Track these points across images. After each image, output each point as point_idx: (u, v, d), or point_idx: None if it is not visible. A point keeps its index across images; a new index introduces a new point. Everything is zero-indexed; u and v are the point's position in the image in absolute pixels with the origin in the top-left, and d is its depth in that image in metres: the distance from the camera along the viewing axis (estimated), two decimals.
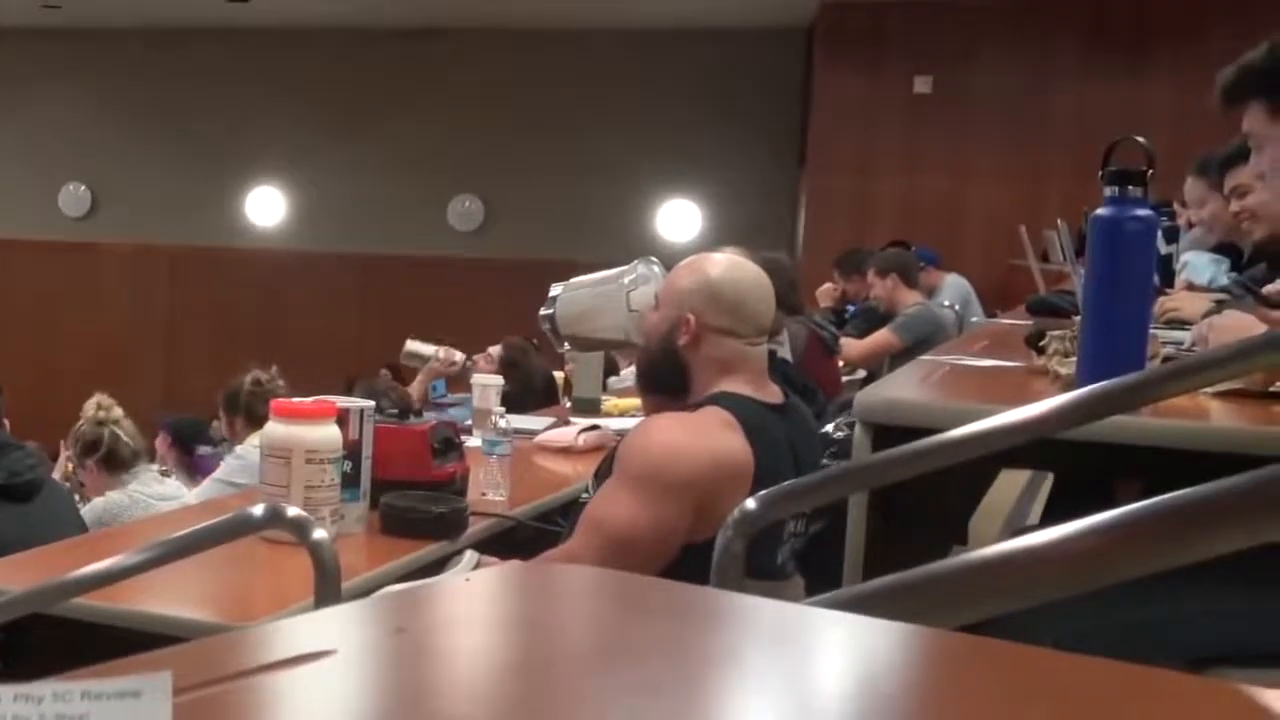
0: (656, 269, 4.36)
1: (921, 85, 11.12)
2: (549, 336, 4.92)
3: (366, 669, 0.94)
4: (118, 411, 5.39)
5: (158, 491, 5.34)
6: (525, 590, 1.16)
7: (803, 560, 3.08)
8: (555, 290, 4.89)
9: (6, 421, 4.36)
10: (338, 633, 1.01)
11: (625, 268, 4.61)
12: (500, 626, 1.06)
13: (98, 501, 5.07)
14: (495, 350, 6.61)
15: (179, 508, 4.80)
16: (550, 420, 4.85)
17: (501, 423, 3.66)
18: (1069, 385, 2.27)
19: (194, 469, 7.13)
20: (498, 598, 1.14)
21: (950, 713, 0.86)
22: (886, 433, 2.13)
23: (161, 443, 6.74)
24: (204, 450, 7.31)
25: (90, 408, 5.37)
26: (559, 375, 6.48)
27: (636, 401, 4.71)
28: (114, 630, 2.59)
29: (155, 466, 5.91)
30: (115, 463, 5.29)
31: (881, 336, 7.43)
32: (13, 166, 14.65)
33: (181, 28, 14.09)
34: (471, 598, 1.13)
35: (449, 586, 1.39)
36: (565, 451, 4.38)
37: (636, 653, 0.95)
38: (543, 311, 4.90)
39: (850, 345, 6.99)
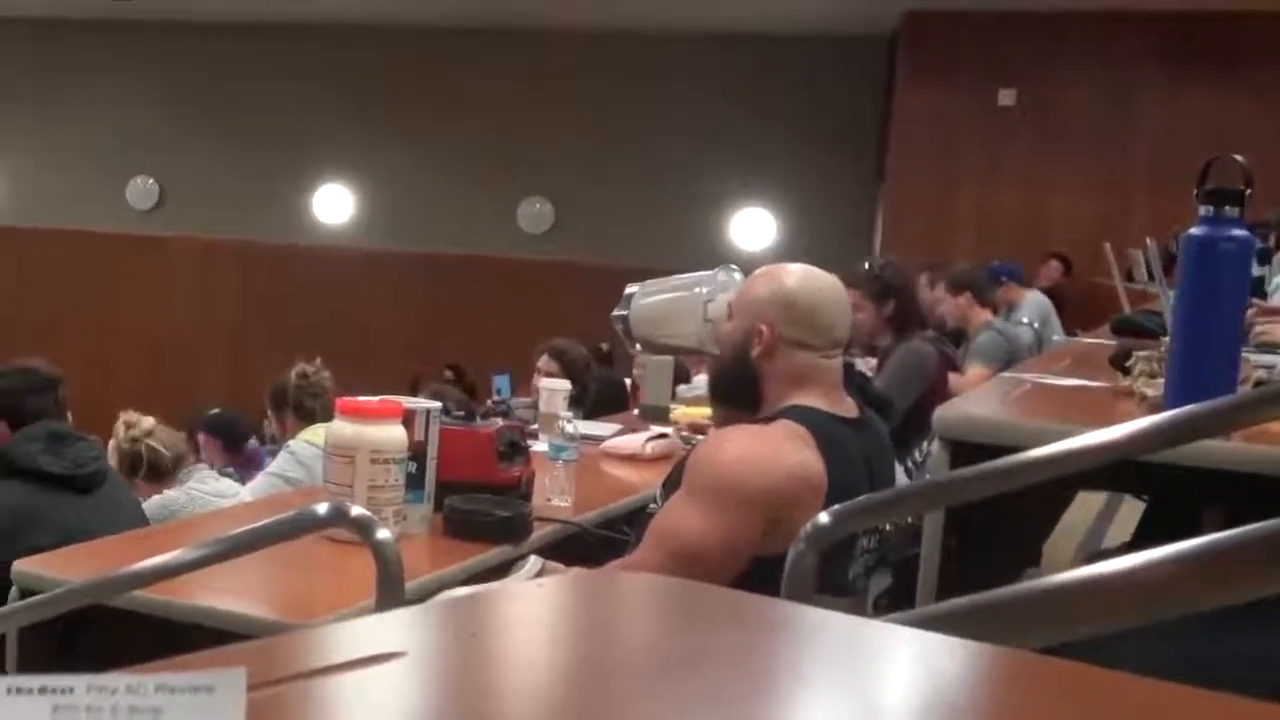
0: (737, 277, 4.34)
1: (1005, 98, 11.05)
2: (621, 337, 4.92)
3: (438, 671, 0.95)
4: (147, 423, 5.36)
5: (215, 489, 5.36)
6: (597, 597, 1.16)
7: (894, 585, 3.06)
8: (631, 289, 4.89)
9: (69, 414, 4.39)
10: (408, 634, 1.02)
11: (704, 274, 4.60)
12: (572, 633, 1.07)
13: (155, 499, 5.08)
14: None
15: (236, 504, 4.83)
16: (617, 427, 4.85)
17: (569, 428, 3.66)
18: (1156, 407, 2.25)
19: (246, 463, 7.17)
20: (569, 604, 1.14)
21: None
22: (965, 450, 2.12)
23: (205, 443, 6.76)
24: (253, 444, 7.35)
25: (120, 429, 5.34)
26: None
27: (706, 410, 4.70)
28: (171, 624, 2.61)
29: (208, 464, 5.93)
30: (158, 473, 5.29)
31: (979, 374, 7.34)
32: (81, 159, 14.83)
33: (253, 22, 14.23)
34: (543, 603, 1.13)
35: (520, 591, 1.40)
36: (632, 459, 4.38)
37: (707, 663, 0.95)
38: (616, 312, 4.90)
39: (953, 380, 6.90)
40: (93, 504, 4.02)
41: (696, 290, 4.50)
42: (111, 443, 5.15)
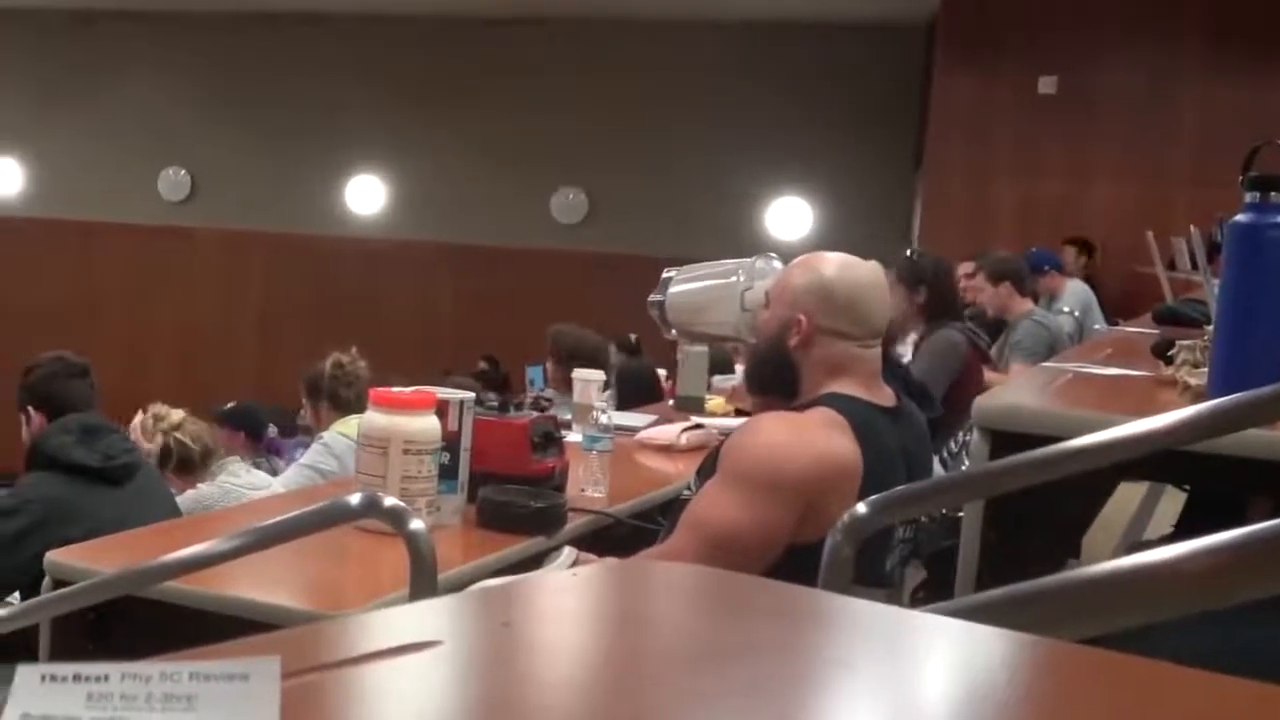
0: (776, 265, 4.33)
1: (1046, 86, 10.99)
2: (657, 322, 4.92)
3: (474, 661, 0.95)
4: (175, 416, 5.35)
5: (248, 481, 5.37)
6: (634, 586, 1.16)
7: (928, 578, 3.06)
8: (668, 274, 4.89)
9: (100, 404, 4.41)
10: (444, 623, 1.02)
11: (743, 262, 4.59)
12: (608, 622, 1.07)
13: (189, 494, 5.09)
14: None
15: (268, 496, 4.84)
16: (652, 418, 4.85)
17: (603, 418, 3.66)
18: (1199, 396, 2.24)
19: (270, 451, 7.20)
20: (605, 593, 1.14)
21: None
22: (1005, 440, 2.11)
23: (227, 438, 6.78)
24: (272, 431, 7.39)
25: (149, 422, 5.32)
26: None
27: (741, 402, 4.70)
28: (203, 615, 2.62)
29: (242, 458, 5.94)
30: (187, 466, 5.28)
31: (1021, 369, 7.30)
32: (113, 150, 14.89)
33: (285, 12, 14.27)
34: (578, 592, 1.13)
35: (555, 580, 1.40)
36: (667, 450, 4.38)
37: (748, 654, 0.95)
38: (653, 296, 4.91)
39: (989, 376, 6.87)
40: (125, 496, 4.04)
41: (734, 278, 4.50)
42: (133, 435, 5.14)
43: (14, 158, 15.39)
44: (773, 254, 4.59)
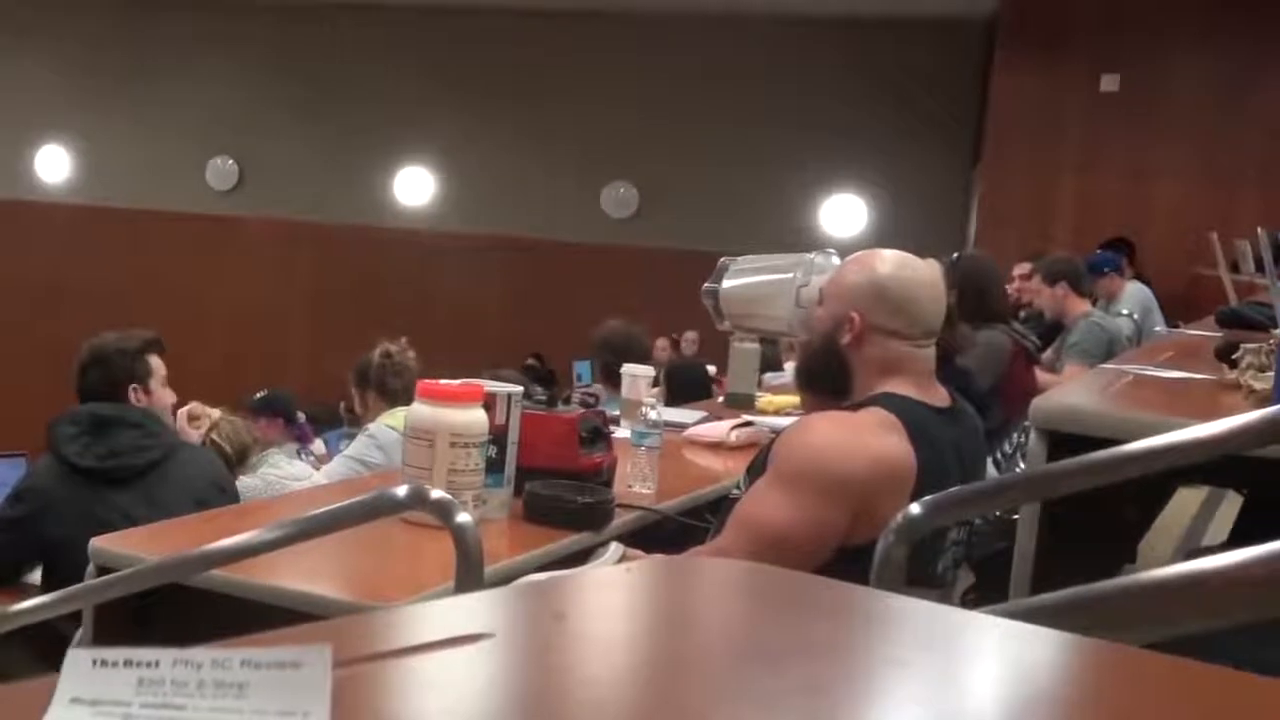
0: (834, 261, 4.31)
1: (1109, 83, 10.91)
2: (710, 312, 4.92)
3: (525, 653, 0.95)
4: (213, 414, 5.35)
5: (289, 472, 5.39)
6: (686, 582, 1.16)
7: (978, 581, 3.05)
8: (724, 263, 4.88)
9: (140, 393, 4.30)
10: (495, 615, 1.02)
11: (800, 257, 4.58)
12: (661, 618, 1.07)
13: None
14: (691, 335, 6.52)
15: (312, 487, 4.84)
16: (702, 414, 4.85)
17: (652, 414, 3.66)
18: (1264, 401, 2.22)
19: (301, 436, 7.24)
20: (658, 588, 1.14)
21: None
22: (1063, 442, 2.10)
23: (264, 426, 6.80)
24: (301, 417, 7.44)
25: (182, 419, 5.30)
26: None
27: (792, 399, 4.69)
28: (246, 604, 2.63)
29: (281, 448, 5.96)
30: (228, 465, 5.28)
31: (1076, 371, 7.26)
32: (161, 139, 14.99)
33: (336, 2, 14.33)
34: (631, 588, 1.13)
35: (607, 575, 1.40)
36: (716, 447, 4.37)
37: (799, 651, 0.95)
38: (707, 286, 4.90)
39: (1044, 378, 6.82)
40: (133, 495, 3.96)
41: (791, 274, 4.48)
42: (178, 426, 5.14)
43: (62, 145, 15.51)
44: (831, 250, 4.57)
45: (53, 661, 0.80)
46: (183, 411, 5.21)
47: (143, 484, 4.01)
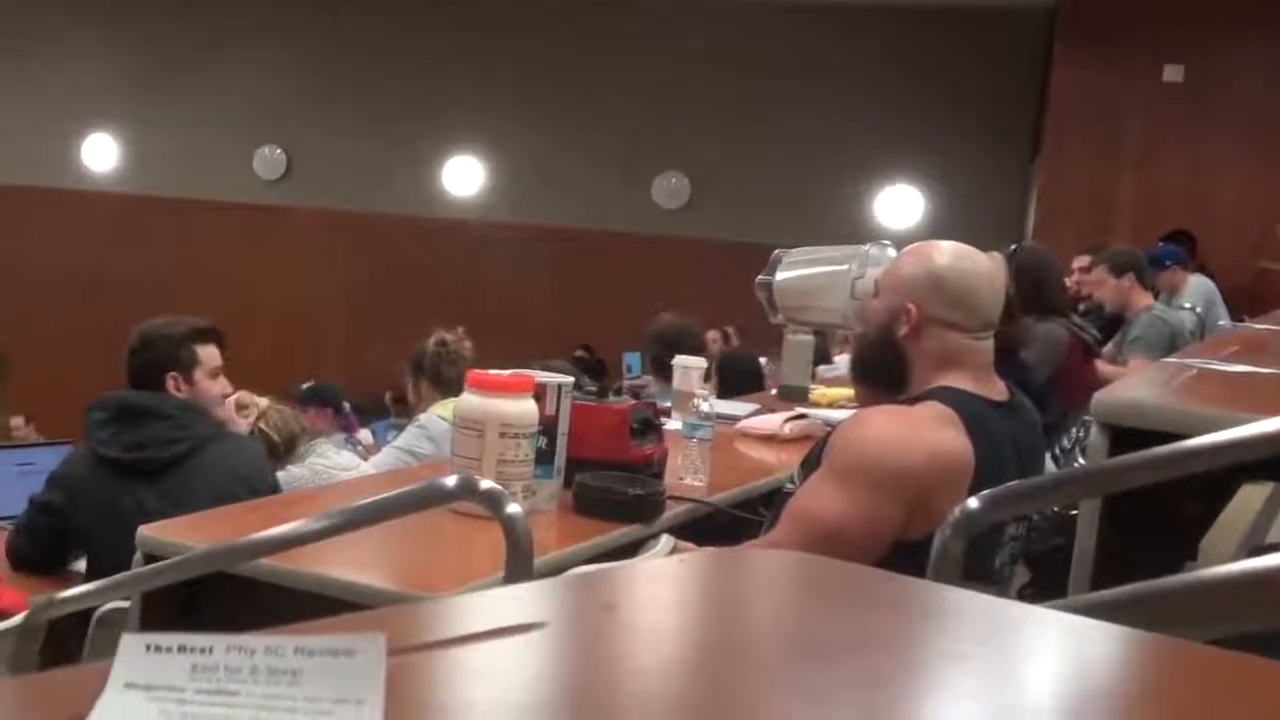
0: (890, 253, 4.29)
1: (1172, 74, 10.83)
2: (764, 305, 4.91)
3: (577, 643, 0.95)
4: (261, 403, 5.34)
5: (337, 462, 5.40)
6: (740, 574, 1.16)
7: (1039, 577, 3.04)
8: (778, 255, 4.88)
9: (180, 383, 4.24)
10: (547, 605, 1.03)
11: (855, 248, 4.57)
12: (714, 609, 1.07)
13: (280, 476, 5.12)
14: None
15: (359, 477, 4.85)
16: (754, 407, 4.84)
17: (704, 406, 3.65)
18: None
19: (346, 426, 7.28)
20: (711, 580, 1.14)
21: None
22: (1124, 436, 2.09)
23: (312, 417, 6.83)
24: (347, 407, 7.49)
25: (229, 408, 5.29)
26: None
27: (846, 391, 4.68)
28: (293, 594, 2.64)
29: (329, 438, 5.98)
30: (272, 454, 5.27)
31: (1141, 365, 7.21)
32: (208, 128, 15.07)
33: None
34: (683, 579, 1.13)
35: (659, 566, 1.40)
36: (769, 439, 4.36)
37: (854, 643, 0.94)
38: (761, 277, 4.90)
39: (1105, 370, 6.77)
40: (157, 489, 3.92)
41: (845, 266, 4.47)
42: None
43: (109, 134, 15.63)
44: (886, 241, 4.55)
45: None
46: (231, 400, 5.22)
47: (165, 478, 3.97)
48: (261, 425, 5.28)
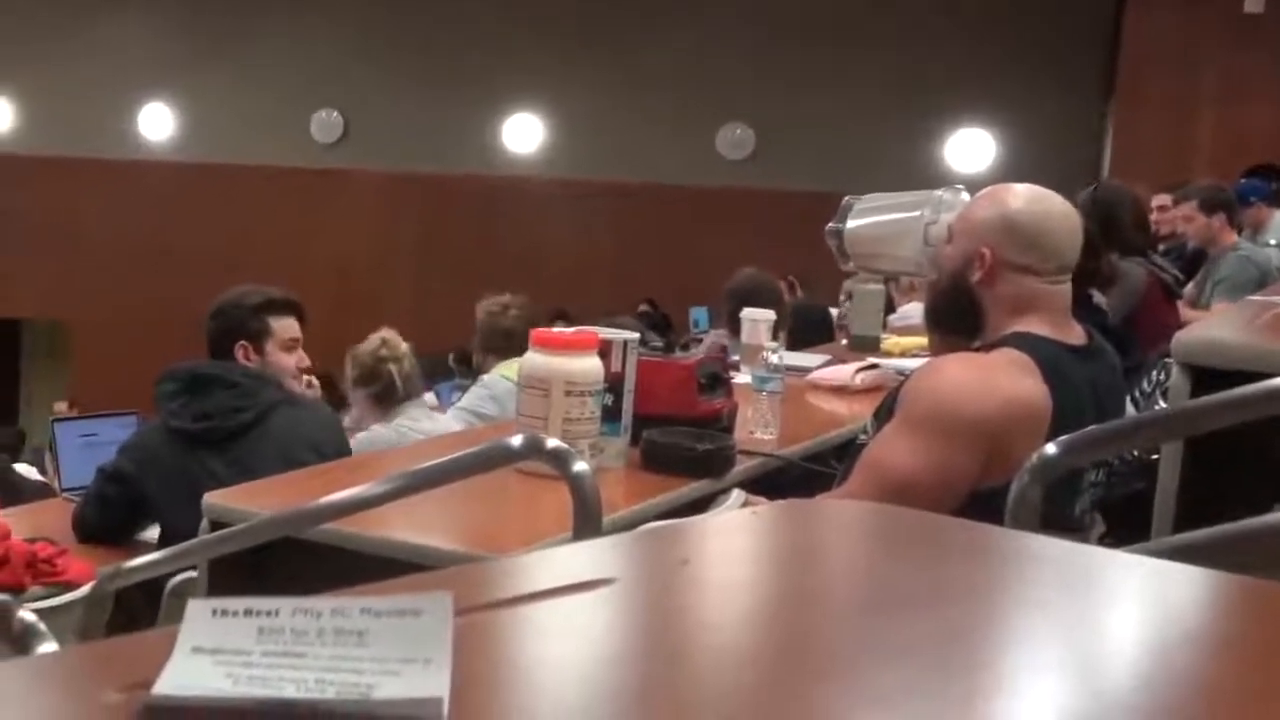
0: (964, 197, 4.26)
1: (1253, 5, 10.66)
2: (834, 253, 4.89)
3: (646, 598, 0.95)
4: (402, 349, 5.35)
5: (425, 428, 5.40)
6: (815, 525, 1.16)
7: (1114, 525, 3.01)
8: (849, 202, 4.85)
9: (250, 352, 4.25)
10: (619, 561, 1.03)
11: (927, 194, 4.53)
12: (789, 562, 1.06)
13: (362, 436, 5.12)
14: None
15: (424, 440, 4.86)
16: (825, 358, 4.82)
17: (773, 358, 3.64)
18: None
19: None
20: (786, 532, 1.14)
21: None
22: (1207, 377, 2.07)
23: None
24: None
25: (374, 341, 5.33)
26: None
27: (919, 340, 4.65)
28: (360, 557, 2.66)
29: (428, 401, 5.99)
30: (387, 400, 5.28)
31: (1224, 307, 7.12)
32: (266, 92, 15.11)
33: None
34: (756, 531, 1.13)
35: (733, 519, 1.40)
36: (840, 391, 4.34)
37: (934, 593, 0.94)
38: (832, 225, 4.87)
39: (1187, 315, 6.66)
40: (226, 458, 3.93)
41: (918, 212, 4.43)
42: (354, 351, 5.20)
43: (165, 103, 15.71)
44: (960, 186, 4.51)
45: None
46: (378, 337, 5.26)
47: (233, 446, 3.98)
48: (393, 367, 5.27)
